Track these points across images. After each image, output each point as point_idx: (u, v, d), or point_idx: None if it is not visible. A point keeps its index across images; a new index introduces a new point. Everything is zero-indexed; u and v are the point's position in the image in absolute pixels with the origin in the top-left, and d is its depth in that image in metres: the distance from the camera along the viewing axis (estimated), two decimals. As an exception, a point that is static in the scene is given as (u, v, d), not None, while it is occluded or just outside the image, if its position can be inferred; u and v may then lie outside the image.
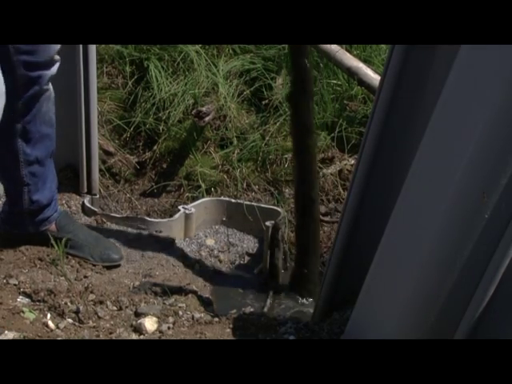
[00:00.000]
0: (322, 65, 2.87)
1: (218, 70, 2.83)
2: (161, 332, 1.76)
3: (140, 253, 2.25)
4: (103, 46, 2.84)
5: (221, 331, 1.76)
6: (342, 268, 1.68)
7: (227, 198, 2.59)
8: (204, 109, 2.69)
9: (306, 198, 2.07)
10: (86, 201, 2.42)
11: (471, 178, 1.12)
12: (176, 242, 2.40)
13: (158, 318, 1.81)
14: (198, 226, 2.53)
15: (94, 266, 2.08)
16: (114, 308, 1.85)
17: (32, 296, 1.84)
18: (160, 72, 2.80)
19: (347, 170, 2.65)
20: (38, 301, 1.82)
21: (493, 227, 1.13)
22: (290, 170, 2.65)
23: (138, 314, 1.83)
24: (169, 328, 1.77)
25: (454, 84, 1.12)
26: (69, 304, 1.81)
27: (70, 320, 1.76)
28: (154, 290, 1.98)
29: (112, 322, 1.78)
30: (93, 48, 2.24)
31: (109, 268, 2.11)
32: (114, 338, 1.70)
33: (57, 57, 1.80)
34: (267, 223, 2.27)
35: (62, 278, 1.92)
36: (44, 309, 1.80)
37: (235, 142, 2.72)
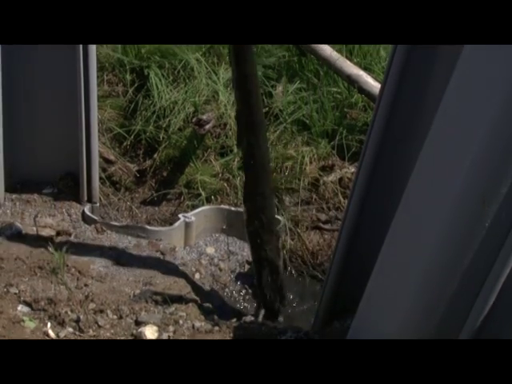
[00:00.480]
0: (322, 72, 2.88)
1: (218, 78, 2.83)
2: (161, 341, 1.75)
3: (140, 261, 2.25)
4: (104, 54, 2.84)
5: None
6: (342, 276, 1.68)
7: (227, 207, 2.59)
8: (204, 117, 2.70)
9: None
10: (87, 209, 2.42)
11: (472, 186, 1.11)
12: (176, 250, 2.39)
13: (159, 326, 1.81)
14: (198, 234, 2.52)
15: (95, 274, 2.07)
16: (115, 317, 1.85)
17: (32, 305, 1.84)
18: (160, 80, 2.80)
19: (347, 177, 2.66)
20: (39, 310, 1.82)
21: (493, 236, 1.13)
22: (291, 177, 2.65)
23: (138, 323, 1.83)
24: (169, 337, 1.77)
25: (455, 88, 1.11)
26: (69, 313, 1.81)
27: (71, 329, 1.76)
28: (154, 299, 1.98)
29: (112, 331, 1.78)
30: (93, 56, 2.24)
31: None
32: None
33: None
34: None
35: (63, 286, 1.92)
36: (44, 318, 1.80)
37: (235, 150, 2.72)
